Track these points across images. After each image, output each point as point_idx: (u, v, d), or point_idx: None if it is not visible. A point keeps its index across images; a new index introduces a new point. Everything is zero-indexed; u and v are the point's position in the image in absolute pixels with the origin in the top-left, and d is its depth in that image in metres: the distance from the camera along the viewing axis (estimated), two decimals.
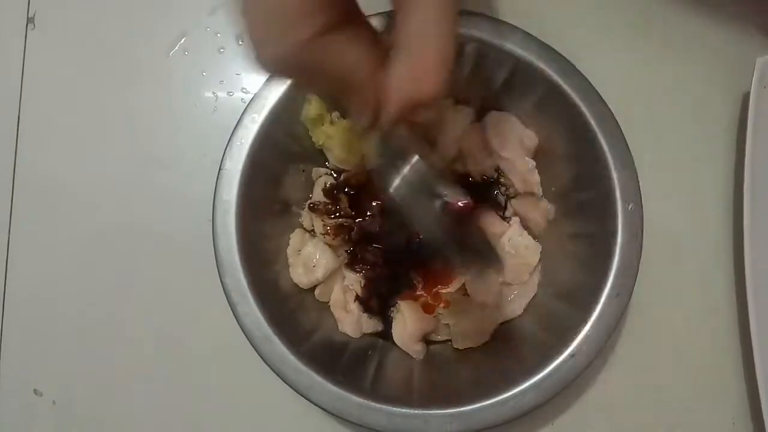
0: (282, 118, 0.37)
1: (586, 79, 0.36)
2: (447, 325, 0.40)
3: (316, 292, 0.40)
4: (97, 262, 0.43)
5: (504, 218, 0.41)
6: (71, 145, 0.45)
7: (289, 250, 0.40)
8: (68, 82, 0.45)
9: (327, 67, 0.23)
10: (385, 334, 0.40)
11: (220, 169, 0.37)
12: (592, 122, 0.36)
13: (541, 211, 0.41)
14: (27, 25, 0.46)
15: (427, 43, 0.22)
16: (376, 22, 0.36)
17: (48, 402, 0.42)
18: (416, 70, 0.23)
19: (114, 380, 0.42)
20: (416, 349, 0.39)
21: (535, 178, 0.40)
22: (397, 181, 0.28)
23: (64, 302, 0.43)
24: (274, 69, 0.23)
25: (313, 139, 0.39)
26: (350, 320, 0.39)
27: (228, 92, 0.44)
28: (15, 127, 0.45)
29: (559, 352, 0.35)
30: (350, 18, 0.23)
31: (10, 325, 0.43)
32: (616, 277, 0.35)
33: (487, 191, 0.41)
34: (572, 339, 0.35)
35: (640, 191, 0.35)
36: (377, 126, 0.25)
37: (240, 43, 0.45)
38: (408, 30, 0.23)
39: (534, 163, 0.40)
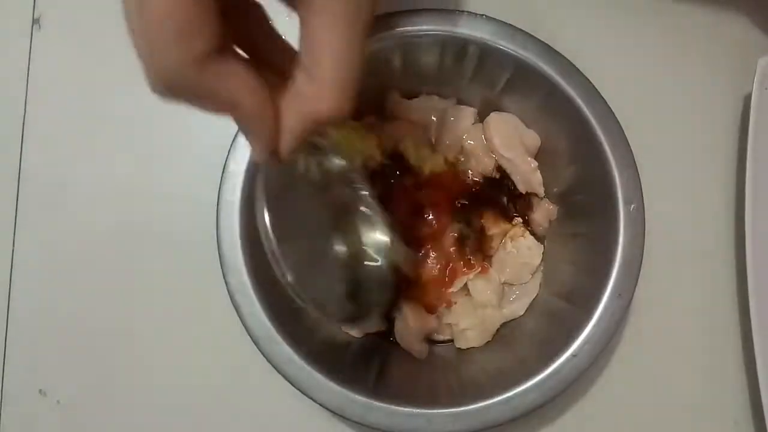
0: None
1: (588, 79, 0.37)
2: (449, 325, 0.40)
3: None
4: (101, 263, 0.43)
5: (506, 219, 0.41)
6: (76, 146, 0.45)
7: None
8: (73, 82, 0.46)
9: (215, 94, 0.21)
10: (388, 334, 0.40)
11: (224, 170, 0.37)
12: (594, 123, 0.36)
13: (543, 211, 0.41)
14: (32, 27, 0.46)
15: (328, 59, 0.21)
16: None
17: (53, 402, 0.42)
18: (317, 89, 0.21)
19: (118, 380, 0.42)
20: (419, 349, 0.39)
21: (538, 178, 0.40)
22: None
23: (68, 303, 0.43)
24: (162, 91, 0.21)
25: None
26: None
27: None
28: (20, 127, 0.45)
29: (562, 352, 0.35)
30: (229, 46, 0.22)
31: (15, 325, 0.43)
32: (617, 277, 0.35)
33: (489, 192, 0.41)
34: (574, 339, 0.35)
35: (641, 192, 0.36)
36: (277, 155, 0.24)
37: None
38: (308, 46, 0.21)
39: (536, 164, 0.40)
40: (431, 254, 0.40)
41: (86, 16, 0.46)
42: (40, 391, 0.42)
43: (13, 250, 0.44)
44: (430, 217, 0.40)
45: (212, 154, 0.38)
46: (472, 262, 0.40)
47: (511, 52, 0.37)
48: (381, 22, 0.37)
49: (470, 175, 0.41)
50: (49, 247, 0.44)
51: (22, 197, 0.44)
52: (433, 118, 0.42)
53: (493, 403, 0.34)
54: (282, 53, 0.26)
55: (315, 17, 0.21)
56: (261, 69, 0.22)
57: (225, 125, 0.38)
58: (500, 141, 0.40)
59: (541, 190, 0.41)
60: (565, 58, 0.37)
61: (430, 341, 0.40)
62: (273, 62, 0.25)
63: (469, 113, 0.41)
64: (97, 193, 0.44)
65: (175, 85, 0.20)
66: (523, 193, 0.41)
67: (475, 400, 0.35)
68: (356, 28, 0.21)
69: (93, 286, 0.43)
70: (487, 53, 0.37)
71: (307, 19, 0.21)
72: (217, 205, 0.36)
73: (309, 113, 0.22)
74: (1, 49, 0.46)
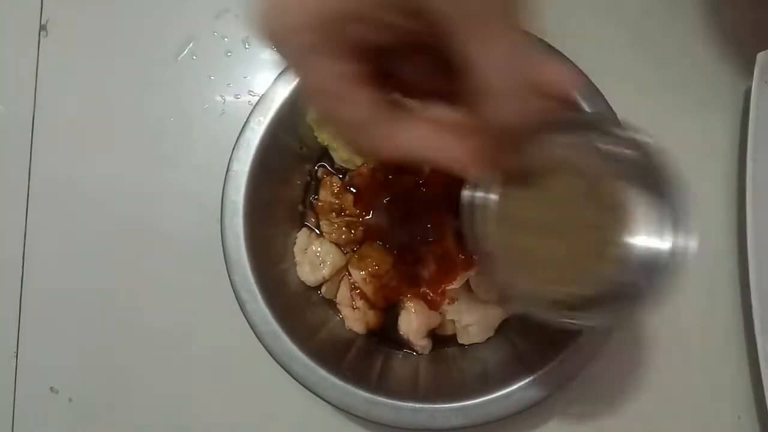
0: (288, 119, 0.38)
1: (585, 75, 0.37)
2: (452, 320, 0.40)
3: (323, 289, 0.41)
4: (110, 263, 0.44)
5: None
6: (84, 148, 0.46)
7: (296, 249, 0.41)
8: (80, 86, 0.46)
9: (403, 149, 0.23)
10: (392, 331, 0.41)
11: (227, 170, 0.37)
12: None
13: None
14: (40, 32, 0.47)
15: (507, 71, 0.21)
16: None
17: (64, 399, 0.43)
18: (501, 103, 0.21)
19: (128, 377, 0.43)
20: (422, 345, 0.40)
21: None
22: None
23: (79, 301, 0.44)
24: (273, 38, 0.22)
25: (318, 139, 0.40)
26: (356, 317, 0.40)
27: (235, 95, 0.45)
28: (30, 130, 0.46)
29: (563, 347, 0.35)
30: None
31: (27, 324, 0.44)
32: None
33: None
34: (576, 334, 0.35)
35: None
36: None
37: (246, 46, 0.46)
38: (485, 69, 0.21)
39: None
40: (433, 251, 0.40)
41: (92, 22, 0.47)
42: (52, 389, 0.43)
43: (24, 251, 0.45)
44: (431, 214, 0.40)
45: (216, 155, 0.39)
46: (473, 258, 0.40)
47: None
48: None
49: None
50: (58, 248, 0.45)
51: (32, 199, 0.45)
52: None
53: (496, 397, 0.35)
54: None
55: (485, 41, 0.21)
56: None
57: (231, 126, 0.39)
58: None
59: None
60: (564, 56, 0.37)
61: (433, 337, 0.41)
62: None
63: None
64: (105, 193, 0.45)
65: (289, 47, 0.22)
66: None
67: (477, 394, 0.35)
68: (523, 38, 0.21)
69: (103, 285, 0.44)
70: None
71: (473, 46, 0.21)
72: (221, 205, 0.37)
73: (509, 129, 0.22)
74: (9, 54, 0.47)
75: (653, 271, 0.26)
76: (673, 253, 0.25)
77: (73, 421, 0.43)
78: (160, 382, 0.43)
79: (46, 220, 0.45)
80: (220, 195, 0.37)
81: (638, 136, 0.25)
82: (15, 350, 0.44)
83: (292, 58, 0.22)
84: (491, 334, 0.40)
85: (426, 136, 0.23)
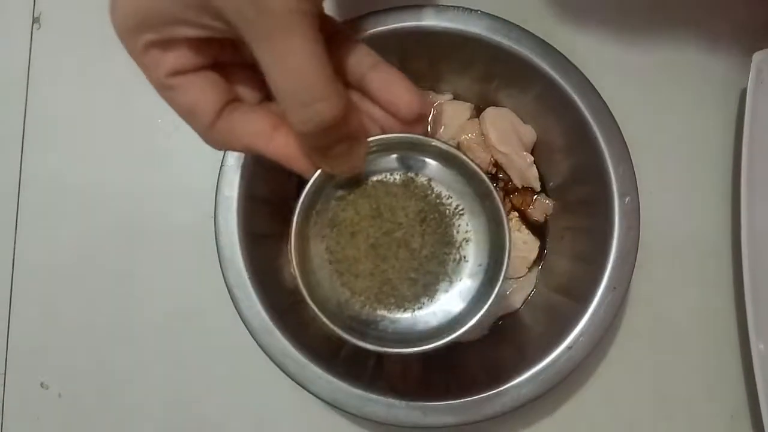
0: None
1: (583, 74, 0.37)
2: None
3: None
4: (101, 258, 0.44)
5: None
6: (76, 143, 0.45)
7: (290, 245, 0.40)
8: (73, 81, 0.46)
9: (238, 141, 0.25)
10: None
11: (221, 165, 0.37)
12: (589, 117, 0.36)
13: (539, 205, 0.41)
14: (33, 25, 0.47)
15: (286, 69, 0.21)
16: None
17: (54, 395, 0.43)
18: (290, 102, 0.22)
19: (119, 373, 0.43)
20: None
21: (534, 173, 0.41)
22: None
23: (69, 297, 0.44)
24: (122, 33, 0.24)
25: None
26: None
27: None
28: (21, 125, 0.45)
29: (557, 345, 0.35)
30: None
31: (17, 318, 0.44)
32: (613, 270, 0.35)
33: None
34: (570, 331, 0.35)
35: (636, 185, 0.36)
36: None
37: None
38: (268, 73, 0.22)
39: (532, 158, 0.41)
40: None
41: (86, 15, 0.47)
42: (42, 384, 0.43)
43: (14, 246, 0.44)
44: None
45: (210, 150, 0.39)
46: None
47: (507, 47, 0.37)
48: (377, 18, 0.37)
49: None
50: (49, 243, 0.44)
51: (24, 193, 0.45)
52: (429, 113, 0.42)
53: (489, 395, 0.35)
54: None
55: (257, 49, 0.21)
56: None
57: None
58: (496, 136, 0.40)
59: (537, 185, 0.41)
60: (560, 53, 0.37)
61: None
62: None
63: (465, 108, 0.42)
64: (97, 188, 0.44)
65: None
66: (519, 187, 0.41)
67: (471, 392, 0.35)
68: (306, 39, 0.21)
69: (93, 280, 0.44)
70: (482, 49, 0.38)
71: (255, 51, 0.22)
72: (215, 201, 0.37)
73: (301, 125, 0.23)
74: (1, 47, 0.47)
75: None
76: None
77: (63, 417, 0.43)
78: (151, 378, 0.42)
79: (37, 216, 0.45)
80: (214, 190, 0.37)
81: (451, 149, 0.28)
82: (5, 344, 0.43)
83: (134, 57, 0.24)
84: (486, 331, 0.40)
85: (261, 131, 0.24)
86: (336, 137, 0.24)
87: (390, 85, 0.26)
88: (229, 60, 0.25)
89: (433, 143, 0.28)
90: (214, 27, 0.22)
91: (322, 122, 0.22)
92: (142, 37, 0.23)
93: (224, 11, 0.21)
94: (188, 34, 0.23)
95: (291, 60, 0.21)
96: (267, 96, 0.27)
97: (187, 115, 0.24)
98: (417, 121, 0.26)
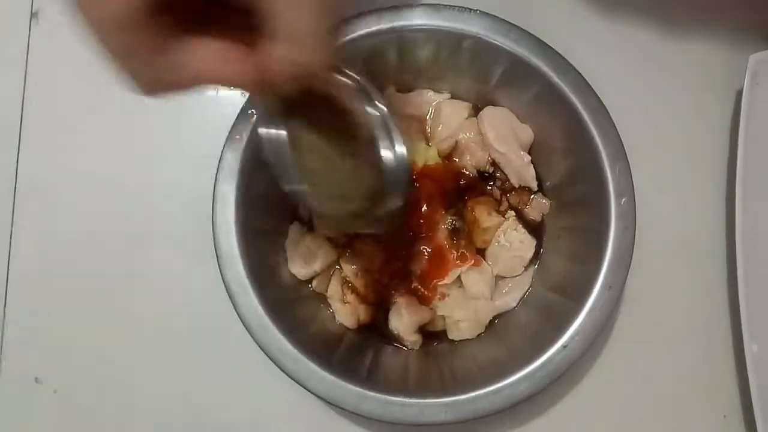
0: None
1: (581, 74, 0.37)
2: (443, 316, 0.40)
3: (314, 283, 0.41)
4: (98, 254, 0.44)
5: (499, 212, 0.41)
6: (73, 139, 0.45)
7: (288, 243, 0.41)
8: (71, 76, 0.46)
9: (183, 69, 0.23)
10: (382, 325, 0.41)
11: (220, 161, 0.37)
12: (586, 117, 0.36)
13: (536, 205, 0.42)
14: (31, 21, 0.46)
15: (301, 13, 0.22)
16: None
17: (49, 391, 0.43)
18: (295, 44, 0.23)
19: (114, 369, 0.43)
20: (412, 340, 0.40)
21: (531, 172, 0.41)
22: None
23: (65, 293, 0.43)
24: (95, 33, 0.23)
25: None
26: (347, 311, 0.40)
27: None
28: (18, 121, 0.45)
29: (553, 344, 0.35)
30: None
31: (12, 314, 0.43)
32: (608, 269, 0.35)
33: (482, 185, 0.42)
34: (565, 330, 0.35)
35: (632, 185, 0.36)
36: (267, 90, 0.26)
37: None
38: (277, 12, 0.22)
39: (529, 158, 0.41)
40: (425, 246, 0.40)
41: None
42: (36, 379, 0.43)
43: (10, 241, 0.44)
44: (424, 209, 0.40)
45: (208, 146, 0.39)
46: (465, 254, 0.40)
47: (505, 47, 0.37)
48: (377, 17, 0.37)
49: (464, 169, 0.41)
50: (46, 238, 0.44)
51: (20, 188, 0.45)
52: (427, 112, 0.42)
53: (485, 393, 0.35)
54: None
55: None
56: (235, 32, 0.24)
57: (223, 117, 0.39)
58: (494, 135, 0.40)
59: (534, 184, 0.41)
60: (558, 53, 0.37)
61: (424, 333, 0.41)
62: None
63: (463, 107, 0.42)
64: (94, 184, 0.44)
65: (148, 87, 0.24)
66: (516, 186, 0.42)
67: (467, 390, 0.35)
68: None
69: (90, 276, 0.43)
70: (481, 48, 0.38)
71: None
72: (213, 196, 0.37)
73: (293, 68, 0.23)
74: None
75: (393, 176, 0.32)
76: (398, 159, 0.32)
77: (58, 412, 0.42)
78: (147, 374, 0.42)
79: (34, 211, 0.45)
80: (212, 186, 0.37)
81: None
82: (0, 340, 0.43)
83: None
84: (482, 330, 0.40)
85: (208, 56, 0.23)
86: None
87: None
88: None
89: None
90: None
91: (316, 61, 0.23)
92: None
93: None
94: None
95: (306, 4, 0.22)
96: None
97: (134, 54, 0.23)
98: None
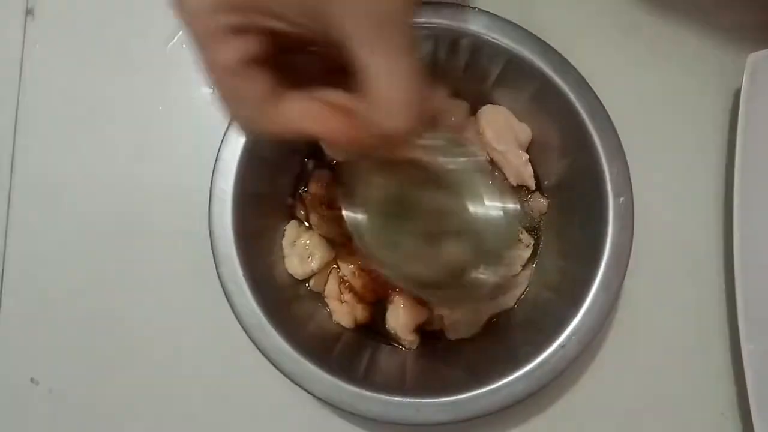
0: None
1: (579, 73, 0.37)
2: (440, 316, 0.40)
3: (311, 282, 0.41)
4: (93, 253, 0.43)
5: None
6: (69, 137, 0.45)
7: (285, 242, 0.40)
8: (66, 73, 0.45)
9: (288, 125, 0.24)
10: (379, 325, 0.41)
11: (216, 160, 0.37)
12: (585, 116, 0.36)
13: (534, 204, 0.41)
14: (26, 17, 0.46)
15: (395, 82, 0.23)
16: None
17: (44, 390, 0.42)
18: (385, 109, 0.23)
19: (110, 369, 0.42)
20: (409, 340, 0.40)
21: (529, 171, 0.41)
22: None
23: (60, 292, 0.43)
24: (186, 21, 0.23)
25: None
26: (344, 311, 0.40)
27: None
28: (13, 118, 0.45)
29: (550, 343, 0.35)
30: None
31: (7, 314, 0.43)
32: (606, 269, 0.35)
33: None
34: (563, 330, 0.35)
35: (631, 184, 0.36)
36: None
37: None
38: (372, 70, 0.23)
39: (527, 157, 0.41)
40: None
41: (79, 7, 0.46)
42: (32, 379, 0.42)
43: (5, 241, 0.44)
44: None
45: (205, 145, 0.39)
46: None
47: (504, 45, 0.37)
48: None
49: None
50: (41, 237, 0.44)
51: (15, 186, 0.44)
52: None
53: (482, 393, 0.35)
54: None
55: (369, 56, 0.22)
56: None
57: (220, 116, 0.39)
58: (492, 134, 0.40)
59: (532, 183, 0.41)
60: (557, 52, 0.37)
61: (421, 332, 0.41)
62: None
63: (461, 106, 0.42)
64: (90, 182, 0.44)
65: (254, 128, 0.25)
66: (514, 185, 0.41)
67: (464, 390, 0.35)
68: (413, 53, 0.23)
69: (85, 275, 0.43)
70: (479, 46, 0.38)
71: (365, 46, 0.22)
72: (210, 194, 0.37)
73: (381, 131, 0.23)
74: None
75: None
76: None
77: (53, 413, 0.42)
78: (142, 374, 0.42)
79: (29, 211, 0.44)
80: (208, 186, 0.37)
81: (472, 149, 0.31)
82: None
83: (202, 36, 0.23)
84: (479, 329, 0.40)
85: (308, 107, 0.25)
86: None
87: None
88: (284, 56, 0.25)
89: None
90: (305, 25, 0.23)
91: (397, 135, 0.23)
92: (219, 17, 0.22)
93: (343, 21, 0.21)
94: (274, 26, 0.23)
95: (402, 70, 0.22)
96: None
97: (242, 100, 0.24)
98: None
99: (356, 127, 0.24)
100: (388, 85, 0.22)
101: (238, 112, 0.25)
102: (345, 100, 0.24)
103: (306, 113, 0.24)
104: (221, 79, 0.24)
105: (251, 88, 0.24)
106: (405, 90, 0.23)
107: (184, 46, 0.45)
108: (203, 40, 0.23)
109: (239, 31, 0.23)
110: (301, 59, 0.26)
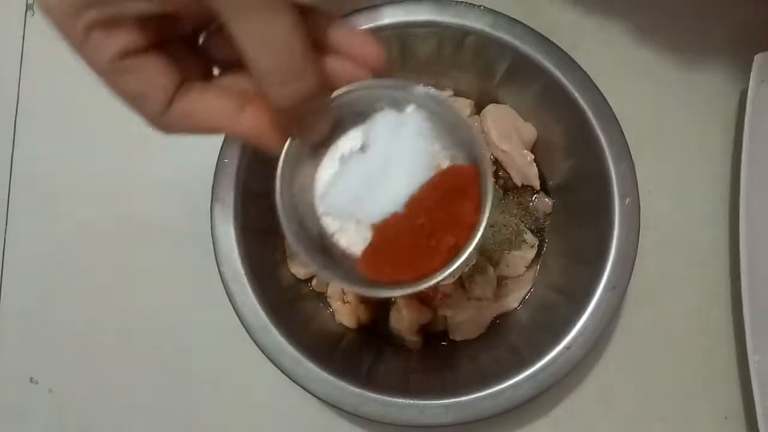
0: None
1: (585, 72, 0.36)
2: (444, 316, 0.40)
3: (314, 282, 0.41)
4: (94, 252, 0.43)
5: (502, 212, 0.41)
6: (69, 134, 0.45)
7: (287, 241, 0.40)
8: (67, 69, 0.45)
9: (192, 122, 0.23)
10: (382, 325, 0.40)
11: (218, 159, 0.37)
12: (590, 116, 0.36)
13: (538, 204, 0.41)
14: (26, 12, 0.46)
15: (273, 54, 0.20)
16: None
17: (44, 390, 0.42)
18: (269, 82, 0.21)
19: (110, 369, 0.42)
20: (413, 340, 0.39)
21: (534, 171, 0.40)
22: None
23: (61, 292, 0.43)
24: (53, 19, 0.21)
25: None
26: (347, 311, 0.39)
27: None
28: (13, 114, 0.45)
29: (555, 344, 0.35)
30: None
31: (7, 313, 0.43)
32: (612, 270, 0.35)
33: None
34: (568, 331, 0.35)
35: (637, 185, 0.36)
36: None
37: None
38: (248, 49, 0.20)
39: (532, 156, 0.40)
40: None
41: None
42: (32, 379, 0.42)
43: (5, 240, 0.44)
44: None
45: (207, 145, 0.38)
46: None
47: (509, 43, 0.37)
48: (378, 13, 0.37)
49: None
50: (41, 236, 0.44)
51: (14, 186, 0.44)
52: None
53: (486, 394, 0.34)
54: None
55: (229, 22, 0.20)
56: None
57: None
58: (497, 133, 0.40)
59: (536, 183, 0.41)
60: (562, 50, 0.37)
61: (424, 333, 0.40)
62: None
63: (465, 105, 0.41)
64: (90, 182, 0.44)
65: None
66: (519, 185, 0.41)
67: (467, 392, 0.35)
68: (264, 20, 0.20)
69: (86, 275, 0.43)
70: (484, 44, 0.37)
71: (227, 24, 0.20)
72: (212, 194, 0.36)
73: (276, 99, 0.21)
74: None
75: None
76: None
77: (53, 412, 0.42)
78: (143, 374, 0.42)
79: (29, 210, 0.44)
80: (210, 185, 0.37)
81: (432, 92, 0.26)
82: None
83: (73, 39, 0.21)
84: (483, 330, 0.40)
85: (227, 111, 0.23)
86: (311, 106, 0.23)
87: (357, 40, 0.24)
88: (170, 36, 0.23)
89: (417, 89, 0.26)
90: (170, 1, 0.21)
91: (302, 98, 0.21)
92: (82, 17, 0.21)
93: None
94: (140, 9, 0.21)
95: (274, 36, 0.20)
96: (207, 73, 0.25)
97: (137, 100, 0.23)
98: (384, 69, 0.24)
99: (259, 116, 0.22)
100: (263, 52, 0.20)
101: (142, 110, 0.23)
102: (248, 84, 0.23)
103: (212, 111, 0.23)
104: (108, 79, 0.22)
105: (147, 82, 0.22)
106: (283, 57, 0.20)
107: None
108: (75, 43, 0.22)
109: (109, 24, 0.21)
110: (212, 44, 0.24)
